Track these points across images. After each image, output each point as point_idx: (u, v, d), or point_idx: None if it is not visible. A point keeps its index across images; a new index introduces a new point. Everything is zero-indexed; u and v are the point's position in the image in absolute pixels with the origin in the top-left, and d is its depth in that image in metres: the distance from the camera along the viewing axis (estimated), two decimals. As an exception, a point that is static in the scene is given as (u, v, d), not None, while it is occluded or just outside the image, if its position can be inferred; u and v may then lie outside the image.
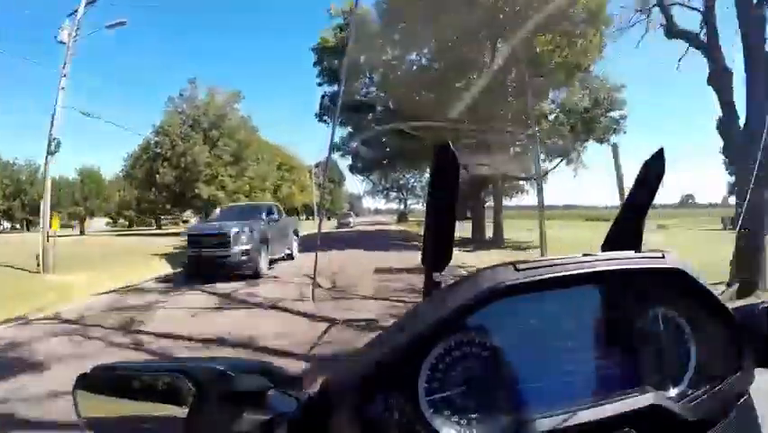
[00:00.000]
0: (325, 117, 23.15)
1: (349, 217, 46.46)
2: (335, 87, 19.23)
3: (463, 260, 10.00)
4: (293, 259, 12.52)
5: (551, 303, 0.53)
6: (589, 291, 0.55)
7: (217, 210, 13.84)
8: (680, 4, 8.37)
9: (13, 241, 18.63)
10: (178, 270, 10.61)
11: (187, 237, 10.36)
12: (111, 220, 44.60)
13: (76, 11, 11.81)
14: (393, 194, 51.16)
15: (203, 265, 9.32)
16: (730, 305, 0.61)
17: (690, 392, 0.57)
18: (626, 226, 0.62)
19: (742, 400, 0.60)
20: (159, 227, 36.45)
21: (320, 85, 22.01)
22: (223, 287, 8.27)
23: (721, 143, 7.57)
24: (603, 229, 0.64)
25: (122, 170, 31.58)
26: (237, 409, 0.51)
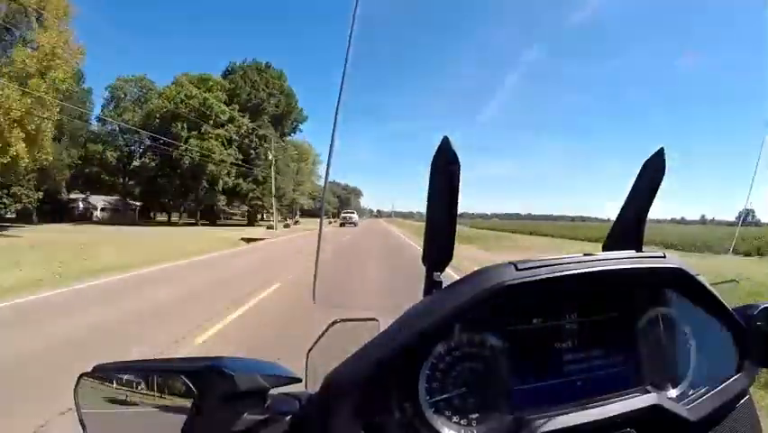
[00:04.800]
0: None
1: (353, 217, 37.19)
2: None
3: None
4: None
5: (551, 303, 0.53)
6: (589, 291, 0.55)
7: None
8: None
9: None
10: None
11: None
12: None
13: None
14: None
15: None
16: (730, 305, 0.61)
17: (690, 392, 0.57)
18: (627, 226, 0.62)
19: (742, 400, 0.60)
20: None
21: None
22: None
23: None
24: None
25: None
26: (237, 409, 0.51)
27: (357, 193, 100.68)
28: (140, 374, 0.54)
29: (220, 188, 39.66)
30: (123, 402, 0.53)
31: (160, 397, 0.52)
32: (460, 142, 0.50)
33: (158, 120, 38.32)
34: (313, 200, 60.27)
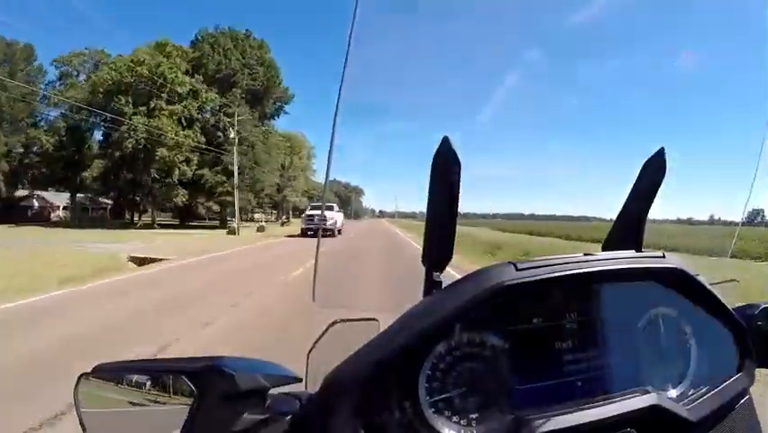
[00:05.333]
0: None
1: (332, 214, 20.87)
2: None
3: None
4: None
5: (551, 303, 0.53)
6: (589, 291, 0.55)
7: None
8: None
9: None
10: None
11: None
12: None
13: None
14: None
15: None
16: (730, 305, 0.61)
17: (690, 392, 0.57)
18: (627, 226, 0.62)
19: (742, 400, 0.60)
20: None
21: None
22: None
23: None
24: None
25: None
26: (237, 409, 0.51)
27: (358, 192, 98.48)
28: (140, 374, 0.54)
29: (175, 180, 29.76)
30: (123, 402, 0.53)
31: (160, 397, 0.52)
32: (460, 142, 0.50)
33: (101, 95, 29.68)
34: (310, 199, 53.09)
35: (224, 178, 31.95)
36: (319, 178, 59.04)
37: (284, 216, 50.00)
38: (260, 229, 29.86)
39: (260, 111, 36.64)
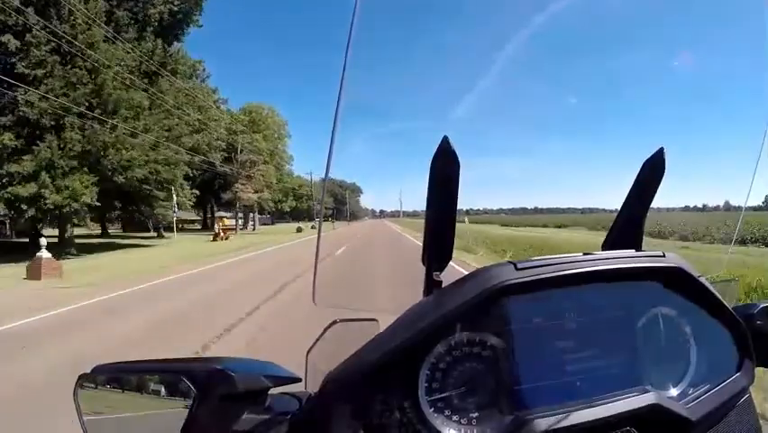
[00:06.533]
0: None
1: None
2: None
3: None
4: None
5: (551, 303, 0.53)
6: (589, 291, 0.55)
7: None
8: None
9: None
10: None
11: None
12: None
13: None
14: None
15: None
16: (730, 305, 0.61)
17: (690, 392, 0.57)
18: (627, 225, 0.62)
19: (742, 400, 0.60)
20: None
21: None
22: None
23: None
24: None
25: None
26: (237, 409, 0.51)
27: (355, 191, 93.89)
28: (140, 374, 0.54)
29: None
30: (123, 402, 0.53)
31: (160, 397, 0.52)
32: (461, 141, 0.50)
33: None
34: (297, 200, 42.66)
35: (24, 141, 14.84)
36: (295, 167, 48.13)
37: (221, 225, 29.21)
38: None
39: (142, 18, 19.34)
